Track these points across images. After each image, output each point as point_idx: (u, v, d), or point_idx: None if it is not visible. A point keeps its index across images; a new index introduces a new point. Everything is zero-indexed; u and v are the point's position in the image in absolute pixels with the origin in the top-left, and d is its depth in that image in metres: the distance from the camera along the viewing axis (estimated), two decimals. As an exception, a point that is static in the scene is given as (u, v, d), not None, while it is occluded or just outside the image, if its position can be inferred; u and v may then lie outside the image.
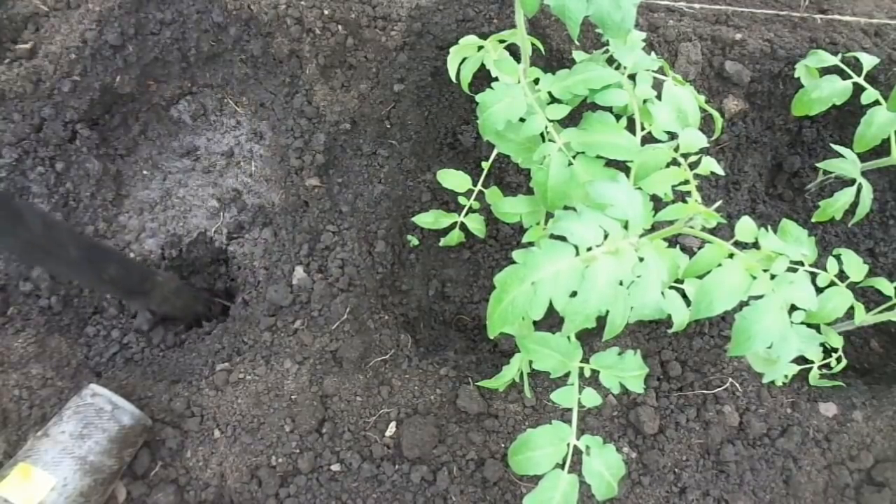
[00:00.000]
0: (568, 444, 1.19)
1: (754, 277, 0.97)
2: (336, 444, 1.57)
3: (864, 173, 1.66)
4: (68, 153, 1.82)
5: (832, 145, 1.73)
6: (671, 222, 1.05)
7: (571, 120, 1.24)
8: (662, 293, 0.98)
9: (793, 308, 1.01)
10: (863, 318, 1.51)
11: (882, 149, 1.64)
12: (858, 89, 1.67)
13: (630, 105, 1.26)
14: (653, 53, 1.56)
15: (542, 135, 1.20)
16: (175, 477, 1.52)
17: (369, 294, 1.73)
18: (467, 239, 1.82)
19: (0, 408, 1.52)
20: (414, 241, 1.90)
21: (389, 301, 1.80)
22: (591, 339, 1.67)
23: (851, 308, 1.45)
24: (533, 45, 1.47)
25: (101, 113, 1.89)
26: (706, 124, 1.81)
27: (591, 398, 1.28)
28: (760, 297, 0.97)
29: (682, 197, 1.28)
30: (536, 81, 1.26)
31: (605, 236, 0.93)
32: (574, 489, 1.16)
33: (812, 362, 1.59)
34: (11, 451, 1.48)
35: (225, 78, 1.95)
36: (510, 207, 1.40)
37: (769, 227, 1.10)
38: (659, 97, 1.32)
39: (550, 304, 0.91)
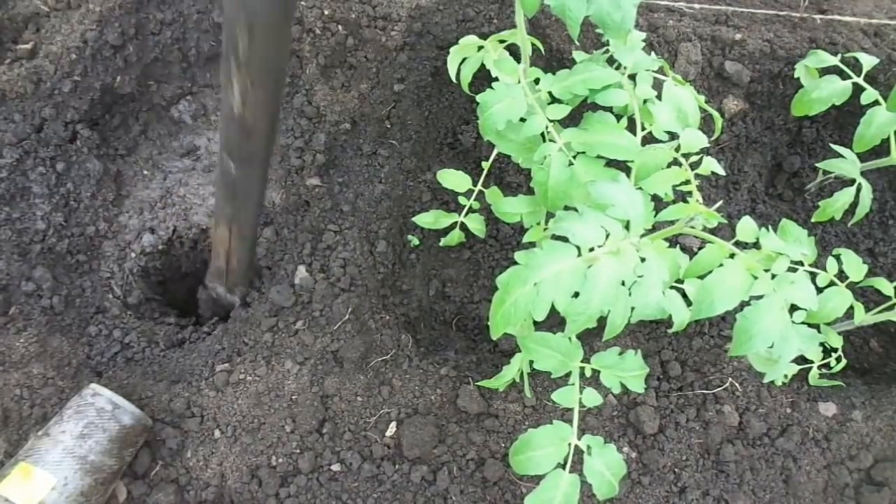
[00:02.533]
0: (569, 444, 1.19)
1: (755, 277, 0.97)
2: (336, 444, 1.57)
3: (863, 173, 1.67)
4: (69, 153, 1.82)
5: (832, 145, 1.73)
6: (672, 222, 1.05)
7: (572, 120, 1.24)
8: (663, 293, 0.98)
9: (793, 308, 1.01)
10: (862, 317, 1.51)
11: (882, 149, 1.64)
12: (858, 89, 1.67)
13: (630, 105, 1.26)
14: (653, 53, 1.56)
15: (542, 135, 1.20)
16: (175, 477, 1.52)
17: (370, 294, 1.73)
18: (467, 239, 1.82)
19: (1, 407, 1.52)
20: (414, 240, 1.90)
21: (390, 301, 1.80)
22: (591, 338, 1.68)
23: (851, 308, 1.45)
24: (533, 45, 1.48)
25: (102, 113, 1.90)
26: (706, 124, 1.81)
27: (592, 398, 1.28)
28: (761, 296, 0.97)
29: (682, 197, 1.29)
30: (536, 81, 1.26)
31: (607, 236, 0.93)
32: (575, 489, 1.16)
33: (812, 362, 1.60)
34: (12, 451, 1.48)
35: (225, 78, 1.95)
36: (510, 207, 1.40)
37: (769, 227, 1.10)
38: (659, 97, 1.32)
39: (552, 304, 0.91)
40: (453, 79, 1.48)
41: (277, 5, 1.04)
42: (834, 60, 1.74)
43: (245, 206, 1.50)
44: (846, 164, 1.66)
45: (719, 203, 1.15)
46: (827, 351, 1.61)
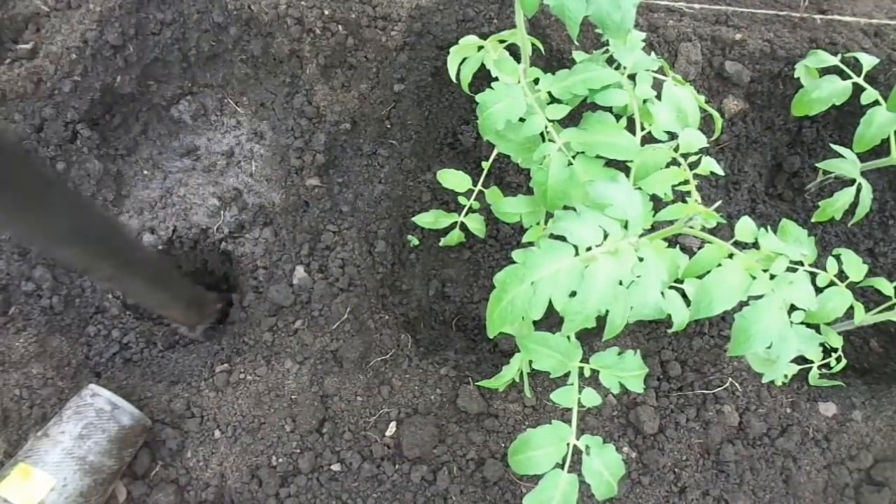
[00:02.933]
0: (568, 444, 1.19)
1: (754, 277, 0.97)
2: (336, 443, 1.58)
3: (863, 173, 1.67)
4: (69, 153, 1.82)
5: (832, 145, 1.73)
6: (671, 222, 1.05)
7: (571, 120, 1.24)
8: (662, 293, 0.98)
9: (792, 308, 1.01)
10: (862, 317, 1.51)
11: (882, 149, 1.64)
12: (858, 89, 1.67)
13: (630, 105, 1.26)
14: (653, 53, 1.56)
15: (541, 135, 1.20)
16: (175, 477, 1.52)
17: (370, 294, 1.73)
18: (467, 239, 1.82)
19: (1, 407, 1.53)
20: (414, 240, 1.90)
21: (390, 301, 1.80)
22: (590, 338, 1.68)
23: (851, 308, 1.45)
24: (533, 45, 1.47)
25: (102, 113, 1.90)
26: (706, 124, 1.81)
27: (591, 398, 1.28)
28: (760, 296, 0.97)
29: (681, 197, 1.28)
30: (536, 81, 1.26)
31: (605, 236, 0.93)
32: (574, 489, 1.16)
33: (812, 362, 1.60)
34: (12, 451, 1.49)
35: (225, 78, 1.95)
36: (510, 207, 1.40)
37: (769, 227, 1.10)
38: (659, 97, 1.32)
39: (550, 303, 0.91)
40: (453, 79, 1.48)
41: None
42: (834, 60, 1.74)
43: (148, 299, 1.57)
44: (846, 164, 1.66)
45: (718, 203, 1.15)
46: (827, 351, 1.61)
